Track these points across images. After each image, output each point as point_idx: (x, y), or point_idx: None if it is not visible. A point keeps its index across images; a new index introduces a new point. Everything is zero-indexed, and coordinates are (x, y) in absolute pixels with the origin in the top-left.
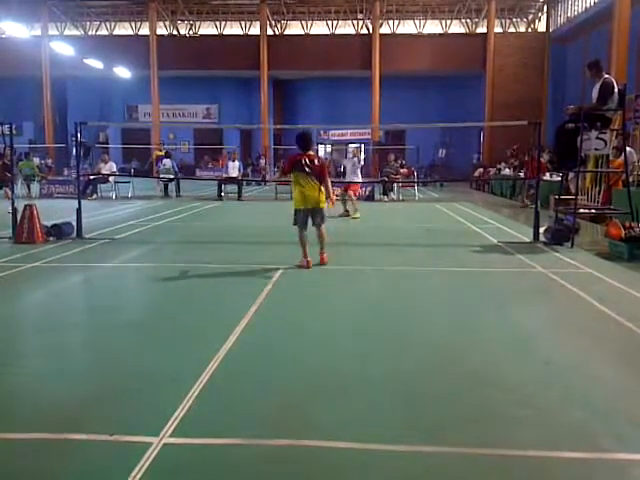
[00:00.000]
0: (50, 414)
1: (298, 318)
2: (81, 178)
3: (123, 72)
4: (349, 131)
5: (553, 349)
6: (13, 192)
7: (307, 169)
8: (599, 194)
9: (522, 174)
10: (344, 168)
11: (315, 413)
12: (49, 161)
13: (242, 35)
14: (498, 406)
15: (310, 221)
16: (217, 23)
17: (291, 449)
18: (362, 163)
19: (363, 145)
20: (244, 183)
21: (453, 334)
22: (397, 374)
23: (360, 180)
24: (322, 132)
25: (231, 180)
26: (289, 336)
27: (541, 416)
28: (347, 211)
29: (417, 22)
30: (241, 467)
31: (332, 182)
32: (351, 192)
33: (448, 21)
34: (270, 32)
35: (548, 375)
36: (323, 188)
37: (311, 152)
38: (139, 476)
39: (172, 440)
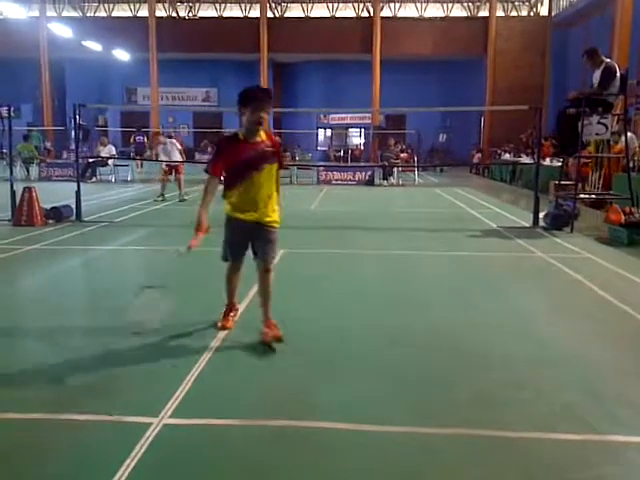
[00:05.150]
0: (51, 395)
1: (299, 302)
2: (80, 161)
3: (122, 54)
4: (349, 115)
5: (551, 333)
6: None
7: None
8: (599, 179)
9: (524, 159)
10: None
11: (314, 394)
12: (48, 144)
13: (242, 18)
14: (495, 388)
15: (251, 249)
16: (217, 5)
17: (289, 430)
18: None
19: (363, 129)
20: None
21: (451, 317)
22: (395, 356)
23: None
24: (322, 116)
25: None
26: (292, 315)
27: (538, 398)
28: (163, 195)
29: (418, 5)
30: (240, 447)
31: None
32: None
33: (449, 4)
34: (270, 15)
35: (545, 358)
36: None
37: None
38: (139, 455)
39: (172, 421)
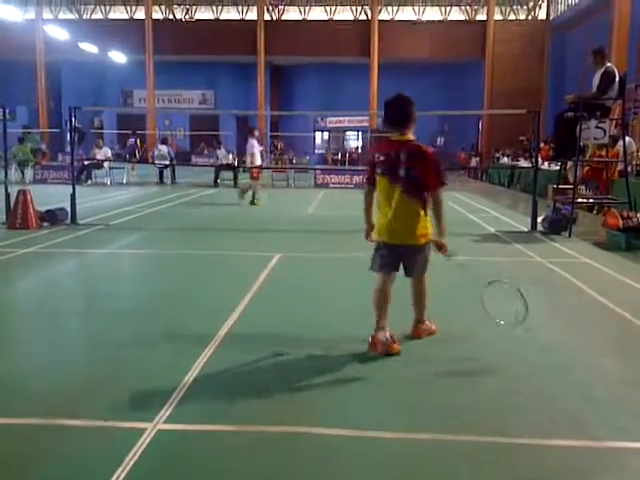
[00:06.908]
0: (46, 400)
1: (293, 306)
2: (76, 163)
3: (118, 57)
4: (347, 118)
5: (550, 338)
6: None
7: (388, 169)
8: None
9: (523, 163)
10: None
11: (311, 400)
12: (43, 146)
13: (239, 20)
14: (494, 394)
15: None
16: (214, 7)
17: (286, 436)
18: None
19: (361, 132)
20: (240, 170)
21: (449, 322)
22: (393, 361)
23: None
24: (320, 119)
25: (227, 167)
26: (284, 324)
27: (537, 404)
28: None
29: (416, 8)
30: (236, 453)
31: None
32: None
33: (448, 8)
34: (267, 17)
35: (544, 363)
36: (425, 210)
37: (407, 135)
38: (133, 461)
39: (166, 426)
